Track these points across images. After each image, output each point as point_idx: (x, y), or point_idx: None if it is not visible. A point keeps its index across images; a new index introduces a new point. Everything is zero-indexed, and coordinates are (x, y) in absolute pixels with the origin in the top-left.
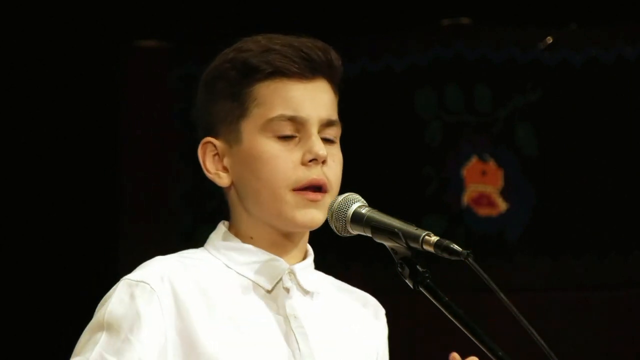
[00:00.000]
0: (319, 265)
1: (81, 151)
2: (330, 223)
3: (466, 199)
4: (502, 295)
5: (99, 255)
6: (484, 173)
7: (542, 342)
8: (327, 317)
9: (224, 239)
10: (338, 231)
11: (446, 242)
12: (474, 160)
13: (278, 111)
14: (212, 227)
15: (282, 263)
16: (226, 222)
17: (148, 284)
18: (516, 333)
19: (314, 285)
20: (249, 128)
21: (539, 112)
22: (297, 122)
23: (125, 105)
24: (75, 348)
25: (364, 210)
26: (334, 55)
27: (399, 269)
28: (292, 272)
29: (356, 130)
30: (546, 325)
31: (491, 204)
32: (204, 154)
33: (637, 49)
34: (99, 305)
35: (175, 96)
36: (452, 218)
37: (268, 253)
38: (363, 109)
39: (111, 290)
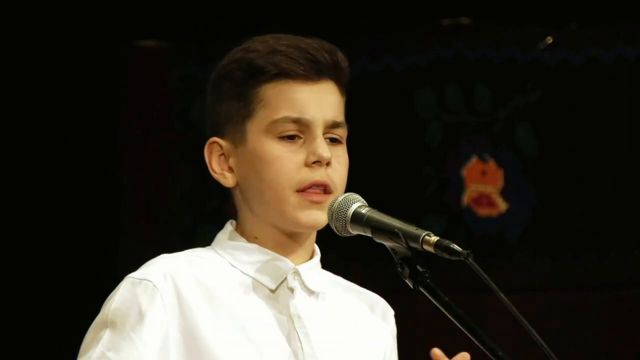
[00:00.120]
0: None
1: (81, 151)
2: (330, 223)
3: (466, 199)
4: (502, 295)
5: (99, 255)
6: (484, 173)
7: (542, 342)
8: (332, 318)
9: (230, 238)
10: (338, 231)
11: (446, 242)
12: (474, 160)
13: (283, 113)
14: (212, 227)
15: (286, 263)
16: (234, 222)
17: (151, 282)
18: (516, 333)
19: (319, 285)
20: (254, 129)
21: (539, 112)
22: (302, 124)
23: (125, 105)
24: (81, 347)
25: (364, 210)
26: (340, 57)
27: (399, 269)
28: (296, 272)
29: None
30: (546, 325)
31: (491, 204)
32: (210, 153)
33: (637, 49)
34: (104, 303)
35: (175, 96)
36: (452, 218)
37: (273, 253)
38: (363, 109)
39: (116, 289)
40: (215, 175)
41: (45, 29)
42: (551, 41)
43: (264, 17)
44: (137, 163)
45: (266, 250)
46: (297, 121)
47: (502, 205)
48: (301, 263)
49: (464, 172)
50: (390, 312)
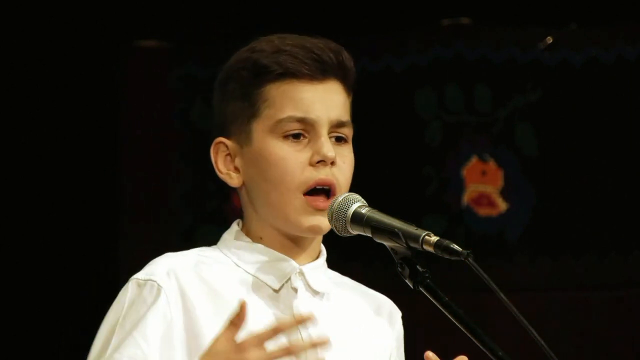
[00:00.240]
0: None
1: (81, 151)
2: (330, 223)
3: (466, 199)
4: (502, 295)
5: (99, 255)
6: (484, 173)
7: (542, 342)
8: (336, 318)
9: (236, 238)
10: (338, 231)
11: (446, 242)
12: (474, 160)
13: (287, 112)
14: (212, 227)
15: (291, 263)
16: (240, 222)
17: (155, 282)
18: (516, 333)
19: (323, 285)
20: (259, 129)
21: (539, 112)
22: (307, 123)
23: (125, 105)
24: (90, 351)
25: (364, 210)
26: (345, 57)
27: (399, 269)
28: (301, 273)
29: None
30: (546, 325)
31: (491, 204)
32: (216, 154)
33: (637, 49)
34: (111, 306)
35: (175, 96)
36: (452, 218)
37: (277, 253)
38: (363, 109)
39: (121, 291)
40: (221, 176)
41: (45, 29)
42: (551, 41)
43: (264, 17)
44: (137, 163)
45: (271, 250)
46: (301, 120)
47: (502, 205)
48: (306, 263)
49: (464, 172)
50: (398, 314)
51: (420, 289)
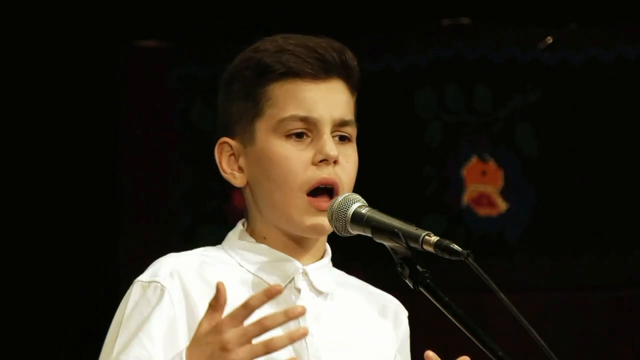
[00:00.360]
0: None
1: (81, 151)
2: (330, 223)
3: (466, 199)
4: (502, 295)
5: (99, 255)
6: (484, 173)
7: (542, 342)
8: (340, 318)
9: (240, 237)
10: (338, 231)
11: (446, 242)
12: (474, 160)
13: (290, 111)
14: (212, 227)
15: (295, 263)
16: (245, 221)
17: (159, 283)
18: (516, 333)
19: (328, 285)
20: (262, 128)
21: (539, 112)
22: (309, 122)
23: (125, 105)
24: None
25: (364, 210)
26: (349, 56)
27: (399, 269)
28: (305, 273)
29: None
30: (546, 325)
31: (491, 204)
32: (220, 154)
33: (637, 49)
34: (117, 309)
35: (175, 96)
36: (452, 218)
37: (281, 253)
38: (363, 109)
39: (126, 294)
40: (225, 176)
41: (45, 29)
42: (551, 41)
43: (264, 18)
44: (137, 163)
45: (274, 251)
46: (304, 119)
47: (502, 205)
48: (310, 263)
49: (464, 172)
50: (403, 314)
51: (420, 289)
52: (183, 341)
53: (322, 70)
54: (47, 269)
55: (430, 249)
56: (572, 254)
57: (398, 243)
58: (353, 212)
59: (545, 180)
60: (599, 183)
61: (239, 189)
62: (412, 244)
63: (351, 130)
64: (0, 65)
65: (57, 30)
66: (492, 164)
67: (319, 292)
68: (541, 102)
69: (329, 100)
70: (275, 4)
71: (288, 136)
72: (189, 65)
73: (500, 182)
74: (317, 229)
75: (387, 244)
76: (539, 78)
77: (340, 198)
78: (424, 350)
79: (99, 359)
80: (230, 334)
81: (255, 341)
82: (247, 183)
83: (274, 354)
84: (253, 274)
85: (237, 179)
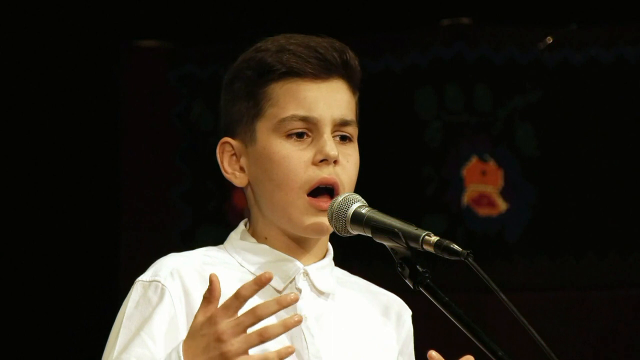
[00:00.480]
0: None
1: (81, 151)
2: (330, 223)
3: (466, 199)
4: (502, 295)
5: (99, 256)
6: (484, 173)
7: (542, 342)
8: (341, 318)
9: (241, 238)
10: (338, 231)
11: (446, 242)
12: (474, 160)
13: (290, 111)
14: (212, 227)
15: (296, 264)
16: (247, 221)
17: (159, 282)
18: (516, 333)
19: (329, 286)
20: (263, 128)
21: (539, 112)
22: (310, 122)
23: (125, 106)
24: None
25: (364, 210)
26: (350, 56)
27: (399, 269)
28: (306, 273)
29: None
30: (546, 325)
31: (491, 204)
32: (222, 154)
33: (637, 49)
34: (120, 309)
35: (175, 96)
36: (452, 218)
37: (282, 254)
38: (363, 109)
39: (128, 294)
40: (227, 176)
41: (45, 29)
42: (551, 41)
43: (264, 18)
44: (137, 163)
45: (275, 251)
46: (304, 119)
47: (502, 205)
48: (312, 263)
49: (464, 172)
50: (407, 313)
51: (420, 289)
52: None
53: (323, 70)
54: (47, 270)
55: (430, 249)
56: (572, 254)
57: (398, 243)
58: (353, 212)
59: (545, 180)
60: (599, 183)
61: (240, 189)
62: (412, 244)
63: (352, 130)
64: (0, 65)
65: (57, 30)
66: (492, 164)
67: (320, 292)
68: (541, 102)
69: (330, 100)
70: (275, 4)
71: (288, 136)
72: (189, 65)
73: (500, 182)
74: (317, 229)
75: (387, 244)
76: (539, 78)
77: (340, 198)
78: (424, 351)
79: (102, 359)
80: (224, 325)
81: (250, 331)
82: (249, 183)
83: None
84: (253, 274)
85: (238, 179)
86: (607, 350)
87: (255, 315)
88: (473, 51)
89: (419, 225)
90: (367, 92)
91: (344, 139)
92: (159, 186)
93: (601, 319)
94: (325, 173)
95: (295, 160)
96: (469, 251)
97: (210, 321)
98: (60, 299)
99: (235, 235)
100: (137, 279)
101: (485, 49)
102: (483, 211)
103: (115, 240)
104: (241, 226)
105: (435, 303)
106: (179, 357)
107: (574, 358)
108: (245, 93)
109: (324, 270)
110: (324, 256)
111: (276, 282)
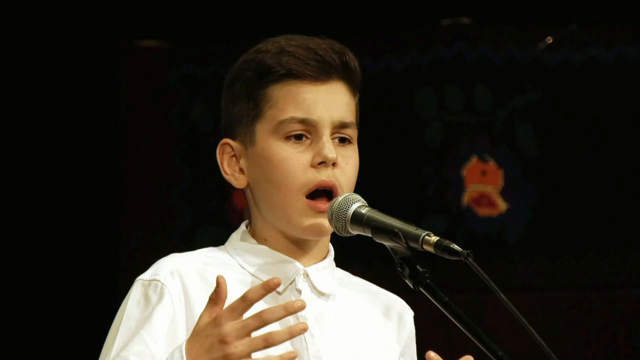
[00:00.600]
0: None
1: (81, 151)
2: (330, 223)
3: (466, 199)
4: (502, 295)
5: (99, 256)
6: (484, 173)
7: (542, 342)
8: (341, 319)
9: (242, 239)
10: (338, 231)
11: (446, 242)
12: (474, 160)
13: (289, 113)
14: (212, 227)
15: (295, 264)
16: (248, 222)
17: (159, 281)
18: (516, 333)
19: (329, 287)
20: (262, 130)
21: (539, 112)
22: (309, 124)
23: (125, 106)
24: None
25: (364, 210)
26: (350, 57)
27: (399, 269)
28: (306, 274)
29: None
30: (546, 325)
31: (491, 204)
32: (222, 155)
33: (637, 48)
34: (120, 307)
35: (175, 96)
36: (452, 218)
37: (282, 255)
38: (363, 109)
39: (128, 292)
40: (226, 177)
41: (45, 29)
42: (551, 41)
43: (263, 18)
44: (137, 163)
45: (275, 252)
46: (303, 121)
47: (502, 205)
48: (312, 264)
49: (464, 172)
50: (408, 314)
51: (420, 289)
52: (183, 339)
53: (322, 72)
54: (48, 270)
55: (430, 249)
56: (572, 254)
57: (398, 243)
58: (353, 212)
59: (545, 180)
60: (599, 183)
61: (240, 190)
62: (412, 244)
63: (352, 132)
64: (0, 65)
65: (58, 30)
66: (492, 164)
67: (320, 293)
68: (541, 102)
69: (329, 102)
70: (275, 4)
71: (287, 138)
72: (189, 65)
73: (500, 182)
74: (316, 230)
75: (387, 244)
76: (539, 78)
77: (340, 198)
78: (423, 351)
79: (100, 357)
80: (229, 327)
81: (254, 335)
82: (248, 184)
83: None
84: (253, 275)
85: (238, 180)
86: (607, 350)
87: (261, 320)
88: (473, 51)
89: (419, 225)
90: (367, 92)
91: (343, 141)
92: (159, 186)
93: (601, 319)
94: (324, 175)
95: (294, 162)
96: (469, 251)
97: (215, 322)
98: (60, 298)
99: (235, 236)
100: (137, 278)
101: (485, 49)
102: (483, 211)
103: (115, 240)
104: (242, 227)
105: (435, 303)
106: (182, 356)
107: (574, 358)
108: (245, 94)
109: (324, 271)
110: (325, 257)
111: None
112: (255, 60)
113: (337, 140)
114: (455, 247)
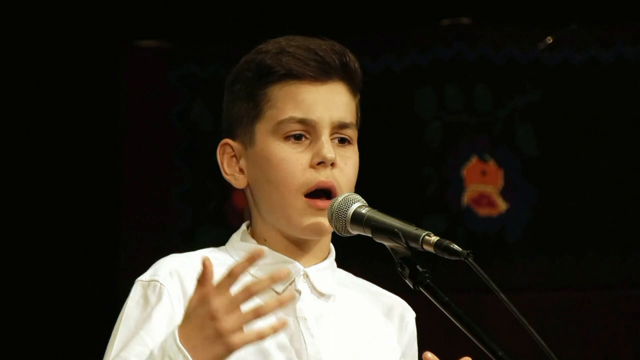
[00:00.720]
0: None
1: (81, 151)
2: (330, 223)
3: (466, 199)
4: (502, 295)
5: (99, 256)
6: (484, 173)
7: (542, 342)
8: (341, 320)
9: (242, 239)
10: (338, 231)
11: (446, 242)
12: (474, 160)
13: (288, 113)
14: (212, 227)
15: (295, 265)
16: (249, 223)
17: (158, 281)
18: (516, 333)
19: (329, 287)
20: (262, 130)
21: (539, 112)
22: (308, 124)
23: (125, 105)
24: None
25: (364, 210)
26: (350, 58)
27: (399, 269)
28: (306, 275)
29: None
30: (546, 325)
31: (491, 204)
32: (222, 155)
33: (637, 48)
34: (121, 309)
35: (175, 96)
36: (452, 218)
37: (282, 255)
38: (363, 109)
39: (129, 294)
40: (226, 177)
41: (45, 29)
42: (551, 41)
43: (263, 18)
44: (137, 163)
45: (275, 252)
46: (302, 121)
47: (502, 205)
48: (312, 265)
49: (464, 172)
50: (410, 315)
51: (420, 289)
52: None
53: (322, 73)
54: (48, 270)
55: (430, 249)
56: (572, 254)
57: (398, 243)
58: (353, 212)
59: (545, 180)
60: (599, 183)
61: (241, 190)
62: (412, 244)
63: (351, 133)
64: (0, 65)
65: (58, 30)
66: (492, 164)
67: (320, 294)
68: (541, 102)
69: (328, 103)
70: (275, 4)
71: (286, 138)
72: (189, 65)
73: (500, 182)
74: (315, 230)
75: (387, 244)
76: (539, 78)
77: (340, 198)
78: (423, 351)
79: (103, 358)
80: (218, 302)
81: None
82: (248, 184)
83: (275, 355)
84: (253, 276)
85: (238, 181)
86: (607, 350)
87: (249, 292)
88: (473, 51)
89: (419, 225)
90: (367, 92)
91: (343, 141)
92: (159, 186)
93: (601, 319)
94: (323, 176)
95: (293, 162)
96: (469, 251)
97: (204, 300)
98: (61, 299)
99: (236, 237)
100: (137, 279)
101: (485, 49)
102: (483, 211)
103: (115, 240)
104: (243, 227)
105: (435, 303)
106: (175, 339)
107: (574, 358)
108: (245, 94)
109: (324, 271)
110: (326, 258)
111: (275, 284)
112: (255, 61)
113: (336, 141)
114: (455, 247)
